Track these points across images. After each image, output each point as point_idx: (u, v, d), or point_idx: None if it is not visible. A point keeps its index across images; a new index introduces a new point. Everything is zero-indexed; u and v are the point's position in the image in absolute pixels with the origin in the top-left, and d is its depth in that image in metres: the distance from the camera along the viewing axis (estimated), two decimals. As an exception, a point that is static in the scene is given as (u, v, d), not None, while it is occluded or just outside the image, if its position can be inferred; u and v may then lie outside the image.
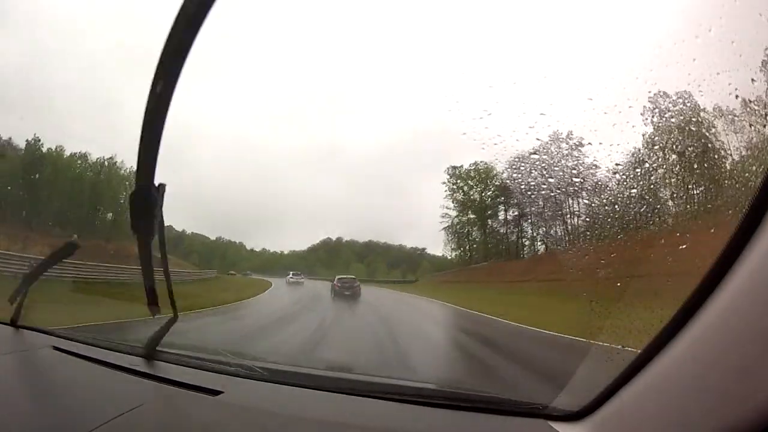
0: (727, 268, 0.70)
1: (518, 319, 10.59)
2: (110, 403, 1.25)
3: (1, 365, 1.54)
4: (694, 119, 5.03)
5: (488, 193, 34.56)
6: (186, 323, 9.01)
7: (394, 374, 2.37)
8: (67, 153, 34.06)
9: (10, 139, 31.51)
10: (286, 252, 46.17)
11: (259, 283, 25.69)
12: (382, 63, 57.86)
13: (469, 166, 33.98)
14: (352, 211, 52.99)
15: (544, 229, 30.10)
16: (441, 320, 13.58)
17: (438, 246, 42.39)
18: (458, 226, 36.48)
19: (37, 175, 31.74)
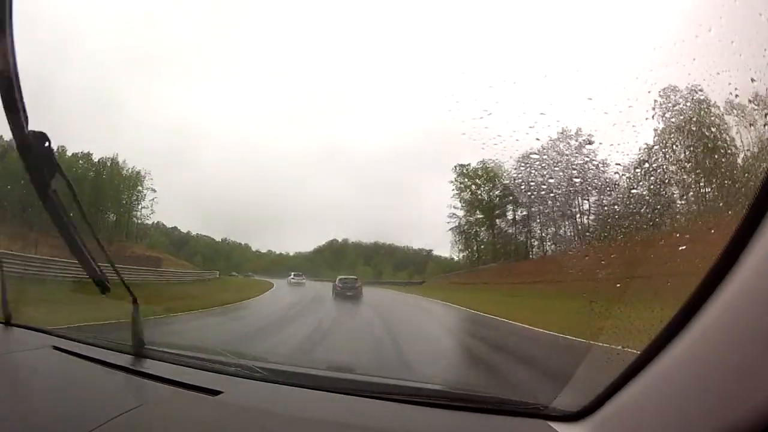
0: (727, 269, 0.70)
1: (535, 323, 10.04)
2: (110, 403, 1.25)
3: (0, 365, 1.54)
4: (694, 119, 5.03)
5: (496, 192, 34.17)
6: (179, 324, 8.94)
7: (394, 374, 2.36)
8: (69, 153, 34.13)
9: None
10: (291, 253, 46.17)
11: (260, 284, 25.64)
12: (385, 63, 57.97)
13: (477, 164, 33.54)
14: (358, 213, 52.99)
15: (553, 228, 30.06)
16: (453, 325, 12.95)
17: (445, 247, 42.29)
18: (466, 227, 36.23)
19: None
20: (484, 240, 36.09)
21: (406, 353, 6.86)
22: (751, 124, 2.77)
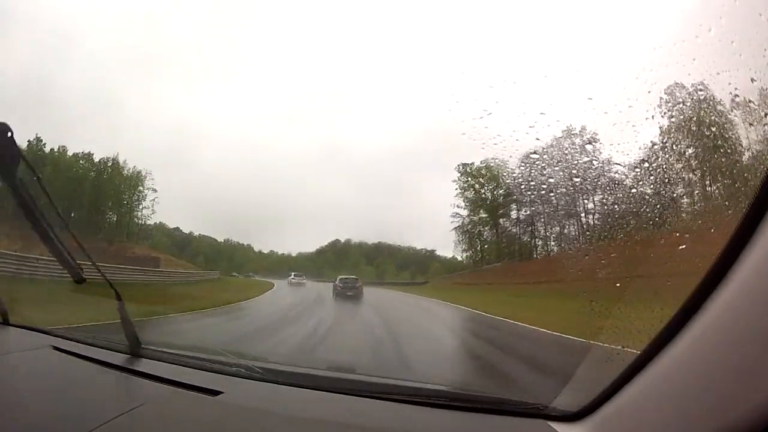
0: (727, 268, 0.70)
1: (540, 324, 9.77)
2: (110, 403, 1.25)
3: (0, 365, 1.54)
4: (694, 119, 5.03)
5: (500, 192, 33.72)
6: (174, 325, 8.84)
7: (394, 375, 2.36)
8: (70, 153, 34.17)
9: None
10: (294, 254, 46.17)
11: (261, 285, 25.54)
12: (385, 63, 58.21)
13: (481, 162, 33.08)
14: (360, 213, 53.05)
15: (558, 228, 29.88)
16: (458, 326, 12.53)
17: (448, 247, 42.29)
18: (469, 226, 35.98)
19: (39, 175, 31.79)
20: (488, 240, 35.84)
21: (409, 358, 6.56)
22: (751, 124, 2.77)
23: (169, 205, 39.63)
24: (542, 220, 31.04)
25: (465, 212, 35.89)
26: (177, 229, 42.89)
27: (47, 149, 33.37)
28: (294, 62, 63.81)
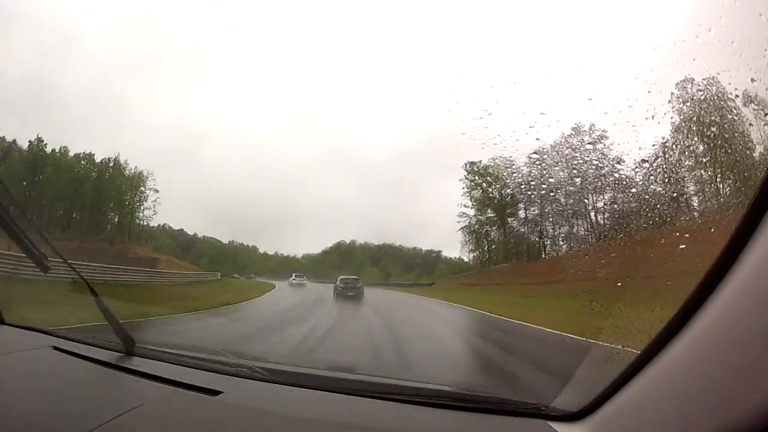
0: (727, 268, 0.70)
1: (549, 325, 9.41)
2: (110, 403, 1.25)
3: (0, 365, 1.54)
4: (694, 119, 5.03)
5: (508, 191, 32.91)
6: (171, 326, 8.78)
7: (395, 375, 2.36)
8: (72, 154, 34.20)
9: (14, 140, 31.73)
10: (299, 255, 45.51)
11: (262, 286, 25.41)
12: (386, 63, 58.19)
13: (488, 161, 32.10)
14: (365, 214, 52.68)
15: (567, 227, 29.61)
16: (465, 327, 12.01)
17: (454, 248, 41.97)
18: (476, 226, 35.32)
19: (40, 176, 31.87)
20: (495, 239, 35.25)
21: (409, 358, 6.35)
22: (750, 124, 2.77)
23: (172, 207, 39.55)
24: (550, 219, 30.55)
25: (472, 212, 35.41)
26: (181, 230, 42.85)
27: (48, 150, 33.48)
28: (294, 62, 63.78)
